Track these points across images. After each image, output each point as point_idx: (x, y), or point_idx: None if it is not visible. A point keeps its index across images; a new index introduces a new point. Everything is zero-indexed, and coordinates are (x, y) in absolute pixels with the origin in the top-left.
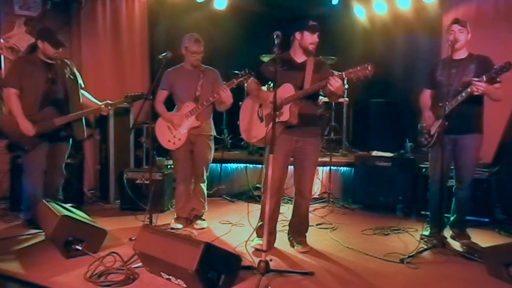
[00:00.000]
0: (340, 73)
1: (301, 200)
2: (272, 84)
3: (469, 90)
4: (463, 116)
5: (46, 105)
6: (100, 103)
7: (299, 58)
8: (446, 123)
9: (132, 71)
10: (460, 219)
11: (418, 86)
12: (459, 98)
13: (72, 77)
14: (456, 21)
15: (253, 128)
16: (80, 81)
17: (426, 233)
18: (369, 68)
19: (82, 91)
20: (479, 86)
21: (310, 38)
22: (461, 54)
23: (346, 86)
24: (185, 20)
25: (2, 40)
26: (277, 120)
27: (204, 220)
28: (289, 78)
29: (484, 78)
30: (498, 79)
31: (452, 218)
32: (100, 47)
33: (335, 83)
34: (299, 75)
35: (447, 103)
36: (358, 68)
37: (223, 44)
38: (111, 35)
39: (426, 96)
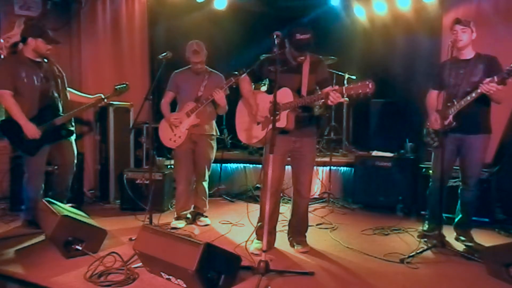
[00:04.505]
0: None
1: (300, 199)
2: (269, 83)
3: (479, 90)
4: (471, 116)
5: (45, 104)
6: (91, 97)
7: (293, 60)
8: (454, 123)
9: (132, 71)
10: (465, 220)
11: (418, 86)
12: (468, 98)
13: (59, 75)
14: (458, 21)
15: (251, 129)
16: (65, 79)
17: (425, 228)
18: (370, 85)
19: (68, 88)
20: (491, 87)
21: (296, 54)
22: (468, 54)
23: (347, 99)
24: (185, 20)
25: (2, 40)
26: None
27: (206, 217)
28: (286, 81)
29: (496, 78)
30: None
31: (456, 219)
32: (100, 47)
33: (335, 98)
34: (296, 77)
35: (455, 103)
36: (359, 84)
37: (223, 44)
38: (111, 35)
39: (432, 97)
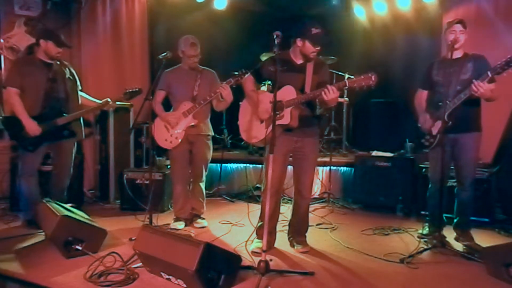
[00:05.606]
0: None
1: (301, 200)
2: (271, 83)
3: (468, 91)
4: (462, 114)
5: (48, 104)
6: (100, 102)
7: (299, 60)
8: (450, 122)
9: (132, 71)
10: (463, 221)
11: (418, 86)
12: (462, 96)
13: (71, 78)
14: (460, 21)
15: (253, 128)
16: (78, 82)
17: (425, 232)
18: (373, 78)
19: (80, 92)
20: (479, 87)
21: (311, 49)
22: (457, 54)
23: (346, 99)
24: (185, 20)
25: (2, 40)
26: (277, 122)
27: (204, 218)
28: (289, 80)
29: (489, 73)
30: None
31: (455, 220)
32: (100, 47)
33: (331, 94)
34: (299, 76)
35: (448, 102)
36: (362, 77)
37: (223, 44)
38: (111, 35)
39: (421, 97)
